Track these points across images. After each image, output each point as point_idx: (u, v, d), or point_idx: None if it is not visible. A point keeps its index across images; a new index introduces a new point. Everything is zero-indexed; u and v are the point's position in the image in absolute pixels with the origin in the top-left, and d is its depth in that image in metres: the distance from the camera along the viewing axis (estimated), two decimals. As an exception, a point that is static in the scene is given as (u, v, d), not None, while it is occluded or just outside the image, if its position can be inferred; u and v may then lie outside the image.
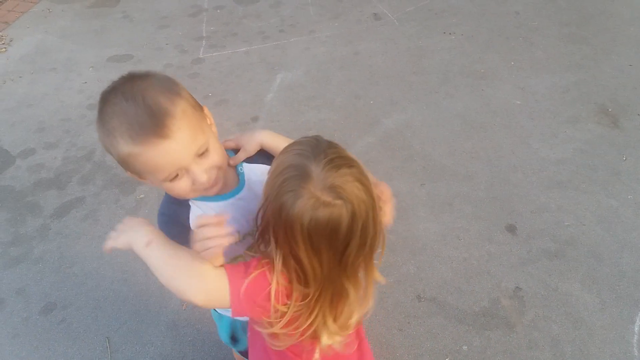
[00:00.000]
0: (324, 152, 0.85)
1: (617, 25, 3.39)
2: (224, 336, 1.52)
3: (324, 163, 0.84)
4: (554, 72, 3.06)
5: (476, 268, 2.16)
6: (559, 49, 3.22)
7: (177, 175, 0.93)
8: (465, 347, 1.92)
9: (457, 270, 2.16)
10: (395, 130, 2.76)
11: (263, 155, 1.15)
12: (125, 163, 0.91)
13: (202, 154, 0.94)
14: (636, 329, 1.97)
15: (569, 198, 2.41)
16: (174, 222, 1.05)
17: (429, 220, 2.33)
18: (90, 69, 3.39)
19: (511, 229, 2.30)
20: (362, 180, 0.87)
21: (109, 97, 0.90)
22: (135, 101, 0.86)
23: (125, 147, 0.87)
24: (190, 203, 1.06)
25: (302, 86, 3.10)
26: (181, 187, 0.95)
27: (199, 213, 1.04)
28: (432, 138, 2.71)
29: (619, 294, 2.06)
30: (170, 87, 0.92)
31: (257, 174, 1.12)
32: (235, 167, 1.11)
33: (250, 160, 1.14)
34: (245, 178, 1.11)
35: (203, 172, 0.94)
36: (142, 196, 2.52)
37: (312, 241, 0.86)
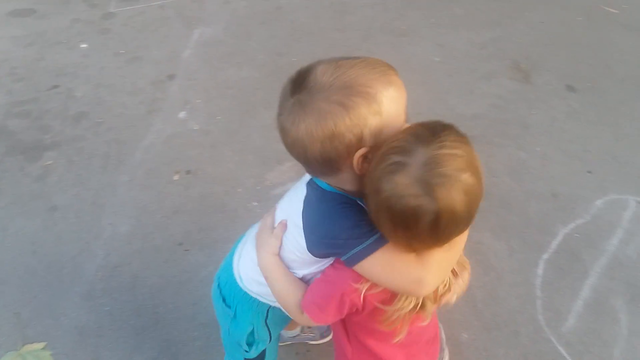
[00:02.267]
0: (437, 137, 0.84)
1: (531, -17, 3.50)
2: (239, 336, 1.31)
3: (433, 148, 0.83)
4: (472, 29, 3.13)
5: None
6: (477, 5, 3.29)
7: None
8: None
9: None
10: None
11: None
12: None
13: None
14: (539, 272, 2.12)
15: (482, 152, 2.47)
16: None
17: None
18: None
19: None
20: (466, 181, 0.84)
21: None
22: None
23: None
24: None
25: (221, 42, 2.98)
26: None
27: None
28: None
29: (525, 240, 2.21)
30: None
31: None
32: None
33: None
34: None
35: None
36: (49, 162, 2.35)
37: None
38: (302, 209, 1.04)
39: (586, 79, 2.90)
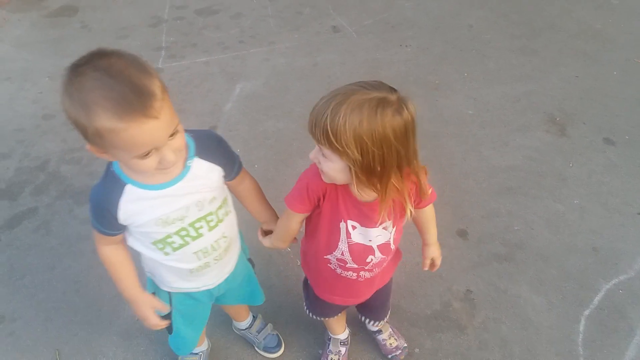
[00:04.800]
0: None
1: (564, 39, 3.55)
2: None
3: None
4: (505, 83, 3.18)
5: (428, 272, 2.19)
6: (510, 60, 3.35)
7: (149, 152, 0.99)
8: (417, 350, 1.96)
9: (410, 274, 2.20)
10: (352, 139, 2.81)
11: (215, 154, 1.21)
12: (98, 136, 0.94)
13: (172, 135, 1.01)
14: (581, 328, 2.04)
15: (518, 203, 2.50)
16: (103, 208, 1.15)
17: (384, 227, 2.38)
18: (47, 78, 3.34)
19: (462, 233, 2.37)
20: None
21: (85, 70, 0.93)
22: (119, 78, 0.91)
23: (107, 122, 0.91)
24: (127, 188, 1.12)
25: (261, 96, 3.13)
26: (149, 164, 1.02)
27: (132, 197, 1.13)
28: (389, 147, 2.77)
29: (564, 295, 2.15)
30: (146, 67, 0.97)
31: (204, 170, 1.18)
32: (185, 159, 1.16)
33: (203, 156, 1.18)
34: (190, 171, 1.16)
35: (172, 152, 1.02)
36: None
37: None
38: None
39: (624, 131, 2.87)
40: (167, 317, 1.47)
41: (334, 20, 3.64)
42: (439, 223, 2.53)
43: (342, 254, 1.36)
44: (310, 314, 1.73)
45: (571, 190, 2.57)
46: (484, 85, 3.17)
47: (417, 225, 1.54)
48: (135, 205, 1.13)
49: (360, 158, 1.05)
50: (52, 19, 3.98)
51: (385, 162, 1.07)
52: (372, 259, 1.37)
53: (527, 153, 2.75)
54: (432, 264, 1.64)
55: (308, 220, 1.39)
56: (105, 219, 1.16)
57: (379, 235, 1.32)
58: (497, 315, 2.07)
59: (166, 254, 1.25)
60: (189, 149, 1.16)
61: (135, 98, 0.90)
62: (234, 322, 1.92)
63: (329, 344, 1.87)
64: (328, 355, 1.85)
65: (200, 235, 1.24)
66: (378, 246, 1.34)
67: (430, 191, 1.30)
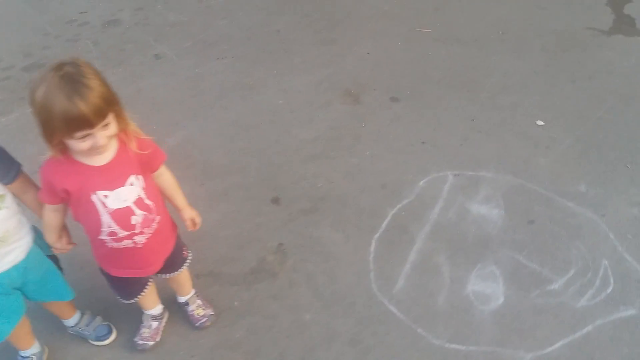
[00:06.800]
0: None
1: (358, 24, 4.09)
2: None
3: None
4: (309, 72, 3.61)
5: (246, 238, 2.52)
6: (312, 52, 3.81)
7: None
8: (236, 303, 2.25)
9: (231, 244, 2.50)
10: (178, 146, 3.08)
11: None
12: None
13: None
14: (372, 248, 2.44)
15: (321, 166, 2.89)
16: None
17: (207, 212, 2.62)
18: None
19: (275, 200, 2.71)
20: None
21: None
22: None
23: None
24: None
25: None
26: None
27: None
28: (211, 145, 3.08)
29: (359, 227, 2.54)
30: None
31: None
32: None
33: None
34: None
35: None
36: None
37: None
38: None
39: (406, 89, 3.39)
40: None
41: (155, 49, 3.93)
42: (255, 197, 2.86)
43: (109, 226, 1.60)
44: (122, 299, 1.96)
45: (364, 145, 3.01)
46: (292, 78, 3.58)
47: (165, 194, 1.82)
48: None
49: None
50: None
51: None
52: (136, 220, 1.63)
53: (329, 124, 3.18)
54: (194, 223, 1.94)
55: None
56: None
57: (130, 192, 1.58)
58: (304, 257, 2.42)
59: None
60: None
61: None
62: (62, 321, 2.10)
63: (143, 320, 2.10)
64: (141, 329, 2.08)
65: None
66: (134, 203, 1.60)
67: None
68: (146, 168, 1.64)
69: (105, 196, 1.55)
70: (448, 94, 3.34)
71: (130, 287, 1.93)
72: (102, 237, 1.62)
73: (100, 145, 1.42)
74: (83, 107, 1.30)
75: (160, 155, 1.69)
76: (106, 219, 1.58)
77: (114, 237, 1.63)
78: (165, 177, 1.78)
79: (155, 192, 1.71)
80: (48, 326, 2.15)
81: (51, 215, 1.64)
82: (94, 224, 1.60)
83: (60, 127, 1.34)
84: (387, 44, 3.84)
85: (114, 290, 1.94)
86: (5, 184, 1.56)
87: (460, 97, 3.31)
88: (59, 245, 1.73)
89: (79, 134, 1.36)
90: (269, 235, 2.53)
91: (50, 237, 1.72)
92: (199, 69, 3.73)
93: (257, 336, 2.13)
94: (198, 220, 1.93)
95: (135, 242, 1.67)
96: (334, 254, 2.42)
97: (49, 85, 1.31)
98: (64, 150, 1.46)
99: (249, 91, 3.50)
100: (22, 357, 1.97)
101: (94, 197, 1.55)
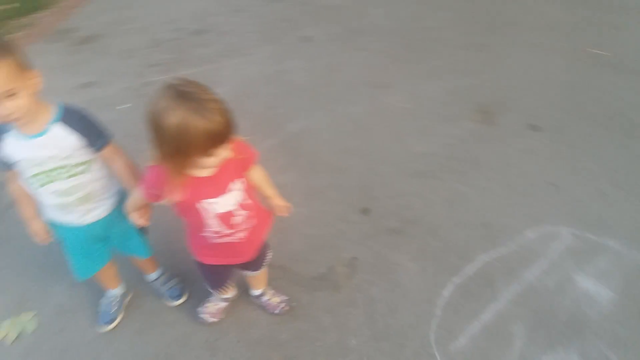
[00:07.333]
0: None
1: (519, 33, 3.65)
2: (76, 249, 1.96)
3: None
4: (446, 78, 3.37)
5: (324, 242, 2.51)
6: (456, 56, 3.53)
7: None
8: (295, 303, 2.27)
9: (309, 244, 2.51)
10: (295, 134, 3.17)
11: (77, 125, 1.66)
12: None
13: (9, 97, 1.42)
14: (445, 293, 2.23)
15: (425, 185, 2.71)
16: None
17: (299, 206, 2.68)
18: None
19: (365, 211, 2.63)
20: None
21: None
22: None
23: None
24: (10, 133, 1.60)
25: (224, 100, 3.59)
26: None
27: (11, 140, 1.61)
28: (324, 139, 3.10)
29: (441, 264, 2.34)
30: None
31: (62, 133, 1.63)
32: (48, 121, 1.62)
33: (66, 123, 1.63)
34: (50, 131, 1.62)
35: (4, 107, 1.43)
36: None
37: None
38: None
39: (552, 117, 2.95)
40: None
41: (305, 31, 4.04)
42: (346, 202, 2.81)
43: (214, 227, 1.67)
44: (211, 289, 2.10)
45: (480, 173, 2.74)
46: (426, 82, 3.38)
47: (256, 186, 1.85)
48: (11, 146, 1.62)
49: None
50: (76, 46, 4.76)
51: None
52: (239, 220, 1.68)
53: (449, 141, 2.94)
54: (283, 209, 1.95)
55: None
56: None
57: (234, 197, 1.64)
58: (373, 278, 2.32)
59: (35, 189, 1.73)
60: (54, 116, 1.62)
61: None
62: (144, 275, 2.36)
63: (212, 296, 2.24)
64: (207, 302, 2.22)
65: (54, 179, 1.70)
66: (238, 205, 1.65)
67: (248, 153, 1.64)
68: (242, 169, 1.70)
69: (211, 204, 1.62)
70: (599, 134, 2.83)
71: (219, 275, 2.04)
72: (205, 234, 1.71)
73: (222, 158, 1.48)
74: (220, 122, 1.33)
75: (253, 155, 1.73)
76: (211, 222, 1.66)
77: (218, 235, 1.71)
78: (257, 172, 1.83)
79: (252, 189, 1.77)
80: (137, 275, 2.44)
81: (138, 199, 1.81)
82: (199, 224, 1.69)
83: (200, 145, 1.36)
84: (546, 60, 3.38)
85: (206, 281, 2.07)
86: (94, 151, 1.76)
87: (612, 141, 2.79)
88: (135, 218, 1.92)
89: (216, 150, 1.41)
90: (347, 245, 2.48)
91: (131, 211, 1.90)
92: (339, 58, 3.74)
93: (299, 344, 2.13)
94: (285, 204, 1.95)
95: (236, 238, 1.74)
96: (404, 285, 2.28)
97: (176, 108, 1.33)
98: (183, 168, 1.50)
99: (379, 89, 3.40)
100: (107, 296, 2.28)
101: (200, 205, 1.62)
